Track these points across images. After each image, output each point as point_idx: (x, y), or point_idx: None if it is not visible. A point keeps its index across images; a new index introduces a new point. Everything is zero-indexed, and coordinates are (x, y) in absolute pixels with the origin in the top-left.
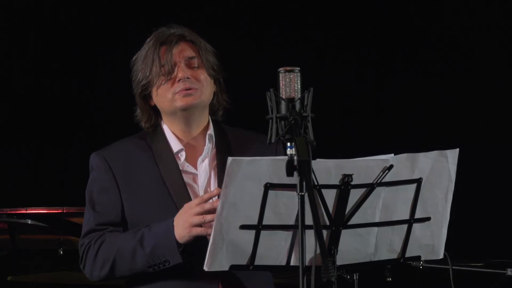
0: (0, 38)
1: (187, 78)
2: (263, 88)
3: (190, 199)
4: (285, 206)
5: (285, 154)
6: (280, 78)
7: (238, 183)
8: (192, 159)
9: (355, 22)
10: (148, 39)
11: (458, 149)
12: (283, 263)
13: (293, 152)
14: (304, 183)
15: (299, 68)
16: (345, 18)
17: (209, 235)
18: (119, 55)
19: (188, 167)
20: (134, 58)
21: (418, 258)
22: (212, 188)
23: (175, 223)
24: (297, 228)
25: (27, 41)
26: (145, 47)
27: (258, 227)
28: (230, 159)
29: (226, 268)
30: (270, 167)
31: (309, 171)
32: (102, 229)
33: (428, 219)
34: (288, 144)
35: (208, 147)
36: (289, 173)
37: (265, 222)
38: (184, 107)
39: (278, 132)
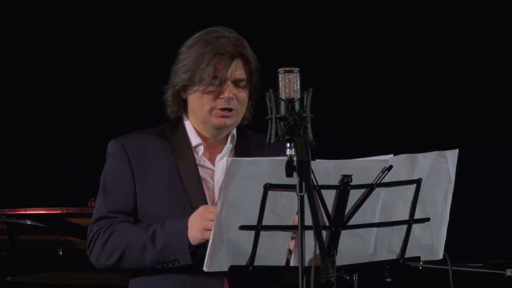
0: (0, 38)
1: (231, 99)
2: (262, 89)
3: (203, 194)
4: (285, 207)
5: None
6: (280, 79)
7: (237, 184)
8: (211, 156)
9: (354, 22)
10: (201, 36)
11: (457, 150)
12: (283, 263)
13: (293, 153)
14: (303, 183)
15: (298, 69)
16: (345, 19)
17: None
18: (119, 56)
19: (205, 162)
20: (182, 49)
21: (417, 258)
22: None
23: (189, 224)
24: (296, 228)
25: (26, 41)
26: (200, 45)
27: (258, 228)
28: (229, 159)
29: (225, 269)
30: (270, 167)
31: (308, 171)
32: (113, 217)
33: (427, 219)
34: (288, 144)
35: (229, 147)
36: (289, 174)
37: (265, 222)
38: (217, 127)
39: (277, 132)
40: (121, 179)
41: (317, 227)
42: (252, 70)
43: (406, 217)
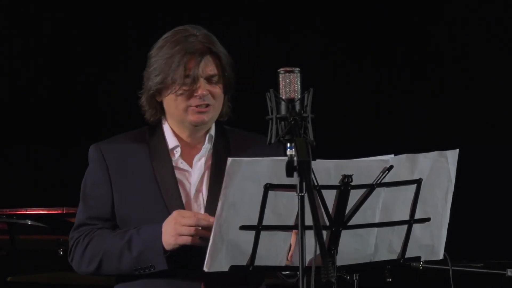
0: (0, 38)
1: (206, 95)
2: (263, 89)
3: (179, 197)
4: (285, 207)
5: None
6: (280, 79)
7: (237, 184)
8: (189, 157)
9: (354, 22)
10: (169, 36)
11: (457, 150)
12: (283, 263)
13: (293, 153)
14: (304, 183)
15: (299, 69)
16: (345, 19)
17: (195, 245)
18: (119, 57)
19: (182, 164)
20: (152, 52)
21: (418, 258)
22: (204, 188)
23: (163, 229)
24: (297, 228)
25: (26, 41)
26: (169, 46)
27: (258, 228)
28: (229, 159)
29: (226, 269)
30: (270, 167)
31: (309, 171)
32: (92, 224)
33: (428, 219)
34: (288, 144)
35: (207, 147)
36: (289, 174)
37: (265, 222)
38: (195, 124)
39: (278, 132)
40: (99, 185)
41: (317, 227)
42: (224, 65)
43: (407, 217)
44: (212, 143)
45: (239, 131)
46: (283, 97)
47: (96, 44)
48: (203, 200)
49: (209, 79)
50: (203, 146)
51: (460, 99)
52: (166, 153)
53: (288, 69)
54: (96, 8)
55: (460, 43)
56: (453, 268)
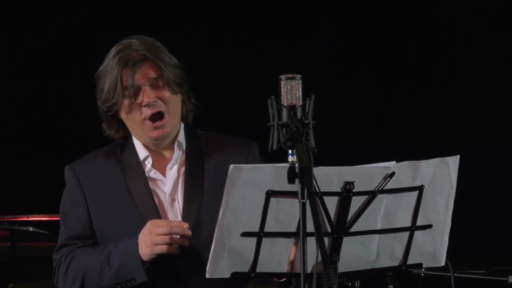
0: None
1: (154, 101)
2: (264, 95)
3: (155, 207)
4: (287, 213)
5: (260, 157)
6: (282, 86)
7: (239, 190)
8: (161, 166)
9: (355, 28)
10: (111, 53)
11: (459, 156)
12: (285, 270)
13: (295, 160)
14: (305, 190)
15: (300, 76)
16: (346, 25)
17: (172, 253)
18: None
19: (155, 174)
20: (97, 72)
21: (419, 265)
22: (179, 195)
23: (139, 241)
24: (298, 235)
25: (26, 41)
26: (109, 63)
27: (260, 234)
28: (231, 166)
29: (227, 275)
30: (272, 174)
31: (310, 178)
32: (72, 244)
33: (429, 226)
34: (290, 151)
35: (178, 154)
36: (291, 181)
37: (267, 229)
38: (157, 139)
39: (279, 139)
40: (75, 205)
41: (319, 234)
42: (164, 66)
43: (408, 224)
44: (184, 149)
45: (212, 134)
46: (285, 104)
47: (98, 43)
48: (179, 208)
49: (154, 85)
50: (173, 154)
51: (460, 103)
52: (138, 165)
53: (289, 76)
54: (96, 8)
55: (460, 44)
56: (454, 274)
